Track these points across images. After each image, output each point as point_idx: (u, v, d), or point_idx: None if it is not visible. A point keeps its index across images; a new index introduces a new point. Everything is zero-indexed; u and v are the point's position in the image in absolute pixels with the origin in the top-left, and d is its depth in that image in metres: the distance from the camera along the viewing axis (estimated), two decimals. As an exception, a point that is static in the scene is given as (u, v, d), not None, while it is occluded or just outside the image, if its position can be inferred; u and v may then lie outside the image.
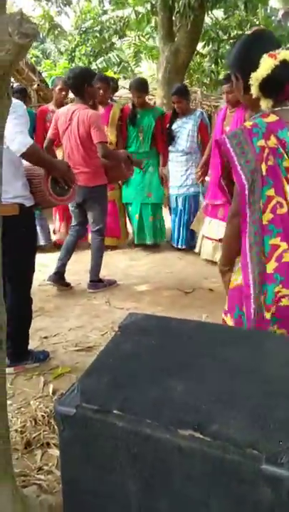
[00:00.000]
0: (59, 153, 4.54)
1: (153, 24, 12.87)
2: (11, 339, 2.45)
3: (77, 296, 4.01)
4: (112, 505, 1.09)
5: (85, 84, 3.75)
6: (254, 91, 1.62)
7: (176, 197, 5.26)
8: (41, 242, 5.25)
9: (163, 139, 5.16)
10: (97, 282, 4.11)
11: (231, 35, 12.90)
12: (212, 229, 4.72)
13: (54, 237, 5.49)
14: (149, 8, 11.37)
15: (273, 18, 14.74)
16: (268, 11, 14.35)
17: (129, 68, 16.28)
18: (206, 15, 9.55)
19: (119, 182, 5.23)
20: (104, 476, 1.07)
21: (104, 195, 4.07)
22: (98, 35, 15.86)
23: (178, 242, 5.33)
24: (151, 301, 3.90)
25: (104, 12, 15.89)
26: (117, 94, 7.62)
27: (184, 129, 5.07)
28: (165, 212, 5.51)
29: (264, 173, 1.60)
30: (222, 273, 1.87)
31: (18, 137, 2.44)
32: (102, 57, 15.67)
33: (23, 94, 5.26)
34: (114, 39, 15.88)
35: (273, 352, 1.29)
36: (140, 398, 1.07)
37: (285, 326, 1.63)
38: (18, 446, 2.06)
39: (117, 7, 14.06)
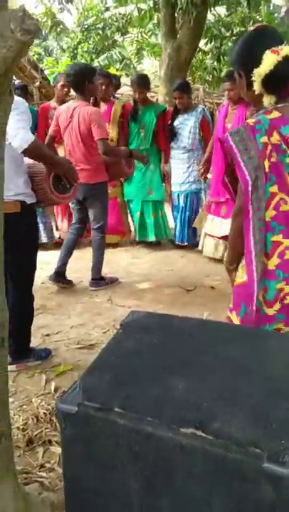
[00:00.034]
0: (60, 151, 4.53)
1: (155, 21, 12.84)
2: (13, 337, 2.44)
3: (79, 294, 4.00)
4: (113, 503, 1.09)
5: (86, 81, 3.74)
6: (257, 87, 1.62)
7: (178, 194, 5.25)
8: (43, 239, 5.24)
9: (164, 135, 5.15)
10: (99, 280, 4.10)
11: (234, 32, 12.84)
12: (214, 226, 4.72)
13: (57, 234, 5.49)
14: (151, 4, 11.34)
15: (276, 14, 14.67)
16: (271, 7, 14.28)
17: (132, 65, 16.25)
18: (208, 12, 9.51)
19: (121, 179, 5.22)
20: (106, 474, 1.07)
21: (104, 193, 4.06)
22: (100, 32, 15.83)
23: (180, 239, 5.33)
24: (152, 298, 3.90)
25: (107, 9, 15.86)
26: (119, 91, 7.61)
27: (186, 126, 5.05)
28: (167, 209, 5.50)
29: (267, 169, 1.60)
30: (228, 271, 1.86)
31: (19, 133, 2.43)
32: (105, 55, 15.65)
33: (24, 91, 5.24)
34: (117, 36, 15.85)
35: (275, 350, 1.29)
36: (142, 396, 1.07)
37: None
38: (20, 443, 2.06)
39: (120, 4, 14.03)
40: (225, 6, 12.17)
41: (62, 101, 4.94)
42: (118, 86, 6.32)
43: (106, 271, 4.26)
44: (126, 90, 9.19)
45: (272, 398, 1.05)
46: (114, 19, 14.86)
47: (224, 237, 4.62)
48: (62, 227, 5.35)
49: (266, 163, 1.60)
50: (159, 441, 0.99)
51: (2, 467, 1.45)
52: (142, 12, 12.89)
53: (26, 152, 2.52)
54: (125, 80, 9.19)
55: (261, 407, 1.02)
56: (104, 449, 1.05)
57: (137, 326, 1.39)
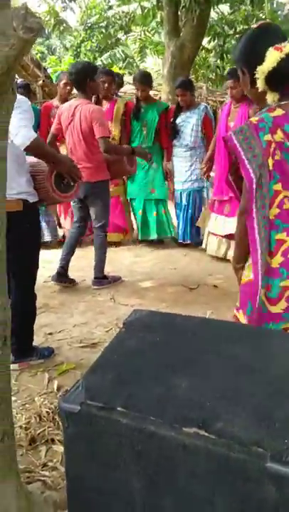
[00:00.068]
0: (62, 150, 4.54)
1: (158, 19, 12.83)
2: (16, 335, 2.45)
3: (82, 293, 4.01)
4: (116, 502, 1.09)
5: (88, 79, 3.74)
6: (260, 84, 1.61)
7: (181, 192, 5.25)
8: (47, 238, 5.25)
9: (167, 133, 5.14)
10: (101, 279, 4.10)
11: (237, 30, 12.83)
12: (218, 225, 4.71)
13: (61, 232, 5.49)
14: (154, 3, 11.33)
15: (279, 12, 14.62)
16: (274, 5, 14.22)
17: (135, 64, 16.24)
18: (211, 9, 9.51)
19: (124, 178, 5.22)
20: (109, 473, 1.07)
21: (106, 191, 4.06)
22: (104, 30, 15.82)
23: (183, 237, 5.32)
24: (155, 297, 3.90)
25: (110, 7, 15.85)
26: (122, 89, 7.60)
27: (188, 124, 5.04)
28: (171, 207, 5.50)
29: (271, 167, 1.60)
30: (235, 270, 1.86)
31: (21, 131, 2.43)
32: (108, 53, 15.64)
33: (26, 90, 5.25)
34: (120, 34, 15.83)
35: (279, 350, 1.28)
36: (144, 395, 1.06)
37: None
38: (22, 442, 2.06)
39: (123, 2, 14.03)
40: (228, 4, 12.15)
41: (64, 99, 4.94)
42: (121, 84, 6.31)
43: (109, 270, 4.26)
44: (129, 89, 9.18)
45: (275, 397, 1.05)
46: (118, 17, 14.85)
47: (228, 236, 4.62)
48: (65, 225, 5.35)
49: (270, 161, 1.59)
50: (161, 441, 0.99)
51: (5, 466, 1.45)
52: (145, 10, 12.89)
53: (28, 150, 2.52)
54: (128, 79, 9.19)
55: (264, 407, 1.01)
56: (106, 448, 1.05)
57: (139, 324, 1.39)
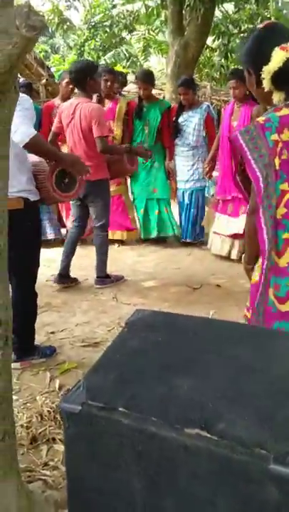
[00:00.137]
0: (64, 149, 4.53)
1: (163, 18, 12.81)
2: (17, 335, 2.45)
3: (85, 292, 4.00)
4: (116, 502, 1.09)
5: (87, 77, 3.72)
6: (266, 84, 1.61)
7: (183, 191, 5.25)
8: (50, 236, 5.25)
9: (169, 132, 5.13)
10: (104, 278, 4.10)
11: (242, 29, 12.82)
12: (221, 224, 4.71)
13: (64, 231, 5.49)
14: (158, 1, 11.31)
15: (285, 11, 14.55)
16: (279, 4, 14.15)
17: (138, 63, 16.23)
18: (216, 8, 9.49)
19: (126, 176, 5.21)
20: (109, 474, 1.06)
21: (106, 190, 4.04)
22: (108, 29, 15.82)
23: (185, 236, 5.32)
24: (158, 297, 3.89)
25: (114, 6, 15.86)
26: (125, 88, 7.60)
27: (190, 123, 5.04)
28: (174, 206, 5.49)
29: (277, 167, 1.59)
30: (246, 270, 1.86)
31: (21, 128, 2.41)
32: (112, 52, 15.64)
33: (28, 89, 5.26)
34: (124, 33, 15.83)
35: (281, 350, 1.27)
36: (146, 395, 1.06)
37: None
38: (23, 441, 2.06)
39: (127, 1, 14.03)
40: (233, 3, 12.14)
41: (66, 98, 4.93)
42: (124, 83, 6.30)
43: (112, 269, 4.25)
44: (132, 88, 9.19)
45: (278, 398, 1.04)
46: (122, 16, 14.86)
47: (232, 236, 4.62)
48: (67, 224, 5.35)
49: (276, 161, 1.59)
50: (163, 442, 0.98)
51: (5, 465, 1.44)
52: (150, 9, 12.88)
53: (27, 147, 2.51)
54: (132, 78, 9.18)
55: (267, 408, 1.01)
56: (107, 449, 1.05)
57: (142, 324, 1.38)
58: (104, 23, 16.02)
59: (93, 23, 16.52)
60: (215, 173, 5.01)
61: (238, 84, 4.35)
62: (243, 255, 1.91)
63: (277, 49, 1.57)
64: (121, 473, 1.04)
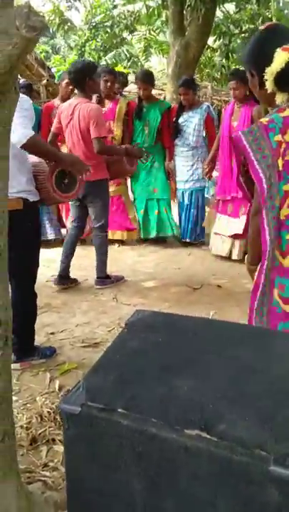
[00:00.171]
0: (64, 150, 4.52)
1: (164, 18, 12.82)
2: (17, 335, 2.45)
3: (85, 292, 4.00)
4: (116, 503, 1.08)
5: (87, 78, 3.72)
6: (269, 86, 1.61)
7: (183, 192, 5.25)
8: (50, 236, 5.25)
9: (169, 132, 5.13)
10: (104, 278, 4.09)
11: (243, 29, 12.82)
12: (221, 225, 4.71)
13: (64, 231, 5.49)
14: (159, 2, 11.31)
15: (286, 11, 14.55)
16: (281, 4, 14.15)
17: (139, 63, 16.24)
18: (217, 8, 9.48)
19: (126, 177, 5.21)
20: (109, 475, 1.06)
21: (105, 190, 4.04)
22: (108, 30, 15.82)
23: (185, 236, 5.32)
24: (158, 297, 3.89)
25: (115, 6, 15.85)
26: (126, 89, 7.59)
27: (191, 123, 5.04)
28: (175, 206, 5.49)
29: (281, 168, 1.59)
30: (250, 271, 1.86)
31: (18, 129, 2.41)
32: (113, 53, 15.64)
33: (28, 90, 5.26)
34: (125, 34, 15.83)
35: (282, 350, 1.27)
36: (146, 396, 1.05)
37: None
38: (23, 442, 2.05)
39: (128, 1, 14.04)
40: (234, 3, 12.12)
41: (66, 99, 4.92)
42: (125, 84, 6.30)
43: (112, 269, 4.25)
44: (133, 88, 9.18)
45: (278, 399, 1.04)
46: (122, 17, 14.86)
47: (232, 236, 4.62)
48: (67, 224, 5.35)
49: (280, 162, 1.59)
50: (163, 443, 0.98)
51: (5, 466, 1.44)
52: (150, 9, 12.87)
53: (25, 148, 2.51)
54: (133, 78, 9.18)
55: (267, 409, 1.00)
56: (107, 450, 1.04)
57: (142, 325, 1.38)
58: (105, 24, 16.02)
59: (94, 24, 16.52)
60: (215, 174, 5.01)
61: (238, 85, 4.35)
62: (246, 256, 1.91)
63: (279, 50, 1.57)
64: (121, 474, 1.04)
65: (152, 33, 15.17)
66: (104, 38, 16.14)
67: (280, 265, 1.64)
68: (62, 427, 1.91)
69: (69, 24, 15.46)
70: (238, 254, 4.63)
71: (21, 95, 2.07)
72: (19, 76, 7.04)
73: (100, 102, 4.90)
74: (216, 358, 1.20)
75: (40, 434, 2.11)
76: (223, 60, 13.83)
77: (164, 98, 8.18)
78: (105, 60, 15.27)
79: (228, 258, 4.71)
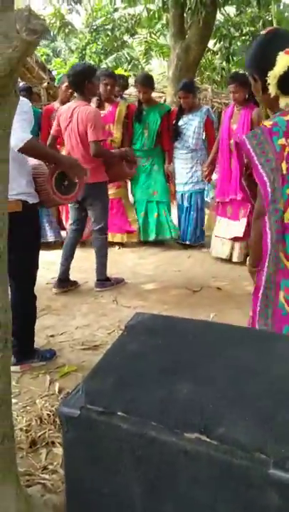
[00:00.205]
0: (63, 152, 4.53)
1: (164, 21, 12.84)
2: (17, 337, 2.44)
3: (85, 295, 4.00)
4: (116, 506, 1.08)
5: (85, 81, 3.72)
6: (272, 89, 1.61)
7: (182, 194, 5.25)
8: (50, 238, 5.25)
9: (169, 135, 5.14)
10: (104, 281, 4.09)
11: (243, 32, 12.83)
12: (221, 227, 4.71)
13: (64, 234, 5.49)
14: (160, 5, 11.32)
15: (286, 14, 14.58)
16: (281, 7, 14.18)
17: (140, 66, 16.27)
18: (217, 11, 9.50)
19: (126, 180, 5.22)
20: (109, 478, 1.06)
21: (104, 193, 4.03)
22: (109, 33, 15.87)
23: (184, 238, 5.32)
24: (158, 299, 3.88)
25: (116, 10, 15.89)
26: (127, 91, 7.62)
27: (190, 126, 5.04)
28: (174, 209, 5.49)
29: (284, 171, 1.59)
30: (251, 274, 1.86)
31: (16, 132, 2.41)
32: (113, 56, 15.68)
33: (28, 93, 5.27)
34: (126, 37, 15.87)
35: (282, 353, 1.27)
36: (145, 400, 1.05)
37: None
38: (22, 445, 2.05)
39: (129, 4, 14.03)
40: (234, 6, 12.14)
41: (66, 102, 4.92)
42: (126, 86, 6.31)
43: (112, 271, 4.25)
44: (134, 91, 9.20)
45: (278, 402, 1.04)
46: (123, 20, 14.92)
47: (232, 239, 4.62)
48: (67, 227, 5.35)
49: (284, 166, 1.59)
50: (162, 446, 0.98)
51: (4, 468, 1.44)
52: (151, 12, 12.89)
53: (22, 151, 2.50)
54: (133, 81, 9.21)
55: (267, 412, 1.00)
56: (107, 453, 1.04)
57: (141, 327, 1.38)
58: (106, 27, 16.07)
59: (95, 27, 16.57)
60: (214, 177, 5.02)
61: (237, 89, 4.36)
62: (248, 258, 1.91)
63: (281, 53, 1.57)
64: (120, 477, 1.04)
65: (153, 36, 15.20)
66: (105, 41, 16.19)
67: (285, 268, 1.65)
68: (62, 429, 1.91)
69: (70, 27, 15.50)
70: (239, 257, 4.63)
71: (21, 98, 2.08)
72: (19, 79, 7.04)
73: (100, 105, 4.90)
74: (215, 360, 1.20)
75: (39, 436, 2.11)
76: (224, 63, 13.85)
77: (165, 101, 8.19)
78: (106, 63, 15.30)
79: (229, 260, 4.71)
